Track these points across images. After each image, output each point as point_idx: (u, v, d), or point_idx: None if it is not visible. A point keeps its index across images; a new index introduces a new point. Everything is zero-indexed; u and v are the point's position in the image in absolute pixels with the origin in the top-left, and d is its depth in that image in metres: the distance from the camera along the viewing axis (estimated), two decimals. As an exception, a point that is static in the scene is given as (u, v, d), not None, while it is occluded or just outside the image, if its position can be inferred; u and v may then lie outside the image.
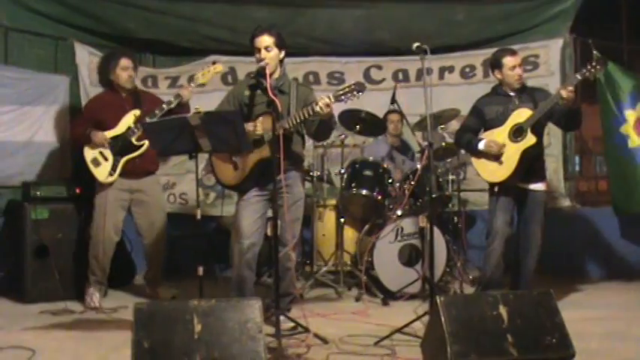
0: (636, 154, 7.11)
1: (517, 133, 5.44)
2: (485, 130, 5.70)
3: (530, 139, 5.38)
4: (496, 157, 5.52)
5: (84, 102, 7.38)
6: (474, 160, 5.75)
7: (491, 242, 5.62)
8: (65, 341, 4.83)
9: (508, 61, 5.60)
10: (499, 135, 5.54)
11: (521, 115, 5.45)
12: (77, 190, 6.28)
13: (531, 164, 5.53)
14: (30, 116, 6.95)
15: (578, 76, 5.28)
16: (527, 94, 5.65)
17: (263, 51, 4.99)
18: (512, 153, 5.44)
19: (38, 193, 6.19)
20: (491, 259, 5.62)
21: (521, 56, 5.67)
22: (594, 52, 7.08)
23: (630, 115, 7.16)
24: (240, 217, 5.15)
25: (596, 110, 7.55)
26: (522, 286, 5.58)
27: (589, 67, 5.20)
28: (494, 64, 5.71)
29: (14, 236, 6.28)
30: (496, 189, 5.64)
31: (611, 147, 7.31)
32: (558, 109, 5.39)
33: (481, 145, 5.59)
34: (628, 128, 7.15)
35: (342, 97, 4.81)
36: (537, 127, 5.45)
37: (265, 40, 5.01)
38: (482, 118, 5.72)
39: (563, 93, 5.18)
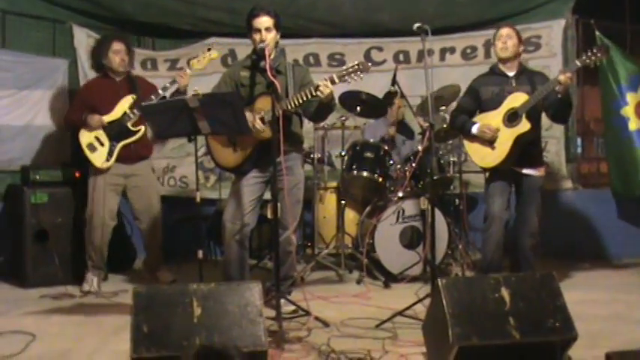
0: (634, 137, 7.09)
1: (512, 117, 5.37)
2: (481, 111, 5.65)
3: (524, 125, 5.31)
4: (489, 141, 5.46)
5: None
6: (466, 142, 5.71)
7: (488, 227, 5.57)
8: (65, 325, 4.83)
9: (498, 32, 5.59)
10: (493, 119, 5.47)
11: (517, 99, 5.37)
12: (76, 174, 6.25)
13: (526, 149, 5.45)
14: (28, 100, 6.90)
15: (578, 63, 5.24)
16: (526, 76, 5.57)
17: (264, 32, 4.96)
18: (506, 138, 5.38)
19: (37, 177, 6.17)
20: (489, 244, 5.57)
21: (516, 31, 5.58)
22: (597, 33, 7.06)
23: (631, 97, 7.14)
24: (236, 198, 5.15)
25: (597, 92, 7.52)
26: (524, 267, 5.56)
27: (590, 53, 5.13)
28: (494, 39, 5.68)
29: (14, 221, 6.27)
30: (487, 175, 5.62)
31: (611, 129, 7.30)
32: (551, 98, 5.32)
33: (474, 129, 5.52)
34: (629, 111, 7.13)
35: (347, 77, 4.80)
36: (533, 112, 5.38)
37: (266, 21, 4.99)
38: (477, 98, 5.65)
39: (562, 78, 5.13)
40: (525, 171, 5.53)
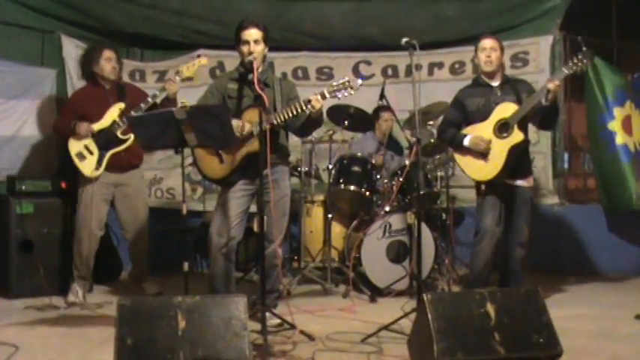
0: (621, 151, 7.11)
1: (503, 128, 5.35)
2: (467, 123, 5.62)
3: (517, 136, 5.30)
4: (482, 154, 5.44)
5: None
6: (457, 156, 5.66)
7: (479, 241, 5.52)
8: (49, 337, 4.79)
9: (481, 43, 5.55)
10: (484, 130, 5.44)
11: (507, 109, 5.36)
12: (63, 185, 6.23)
13: (518, 160, 5.44)
14: (16, 110, 6.89)
15: (565, 70, 5.20)
16: (509, 85, 5.55)
17: (252, 44, 4.96)
18: (499, 150, 5.36)
19: (23, 187, 6.14)
20: (479, 259, 5.52)
21: (499, 42, 5.57)
22: (584, 49, 7.08)
23: (618, 112, 7.16)
24: (223, 211, 5.12)
25: (584, 108, 7.53)
26: (513, 281, 5.55)
27: (575, 60, 5.11)
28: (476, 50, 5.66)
29: (-1, 231, 6.22)
30: (483, 187, 5.58)
31: (597, 144, 7.31)
32: (539, 105, 5.32)
33: (466, 142, 5.49)
34: (615, 125, 7.15)
35: (337, 93, 4.81)
36: (522, 121, 5.35)
37: (255, 33, 4.99)
38: (463, 110, 5.62)
39: (550, 86, 5.11)
40: (518, 182, 5.53)
